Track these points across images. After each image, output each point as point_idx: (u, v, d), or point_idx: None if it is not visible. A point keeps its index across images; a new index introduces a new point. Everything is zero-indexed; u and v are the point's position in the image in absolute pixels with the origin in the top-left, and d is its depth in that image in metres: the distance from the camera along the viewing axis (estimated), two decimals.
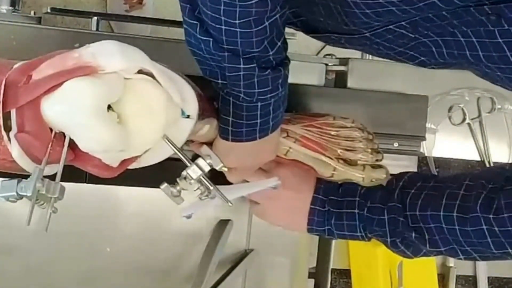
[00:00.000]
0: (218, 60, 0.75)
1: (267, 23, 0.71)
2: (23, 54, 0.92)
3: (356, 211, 0.90)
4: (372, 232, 0.90)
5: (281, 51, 0.78)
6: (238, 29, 0.70)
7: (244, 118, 0.80)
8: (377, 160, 0.91)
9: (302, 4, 0.84)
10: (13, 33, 0.98)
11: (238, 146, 0.83)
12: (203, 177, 0.74)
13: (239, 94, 0.78)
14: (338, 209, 0.91)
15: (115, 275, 1.06)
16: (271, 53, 0.75)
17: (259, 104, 0.79)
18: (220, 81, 0.78)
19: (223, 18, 0.69)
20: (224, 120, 0.81)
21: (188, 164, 0.74)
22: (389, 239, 0.89)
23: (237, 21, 0.69)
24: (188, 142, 0.80)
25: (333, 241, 1.14)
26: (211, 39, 0.73)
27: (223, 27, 0.70)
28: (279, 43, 0.76)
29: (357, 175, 0.89)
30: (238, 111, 0.80)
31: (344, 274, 1.15)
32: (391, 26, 0.75)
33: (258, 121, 0.81)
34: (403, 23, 0.74)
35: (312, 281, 1.17)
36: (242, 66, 0.74)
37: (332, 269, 1.15)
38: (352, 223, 0.90)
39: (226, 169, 0.84)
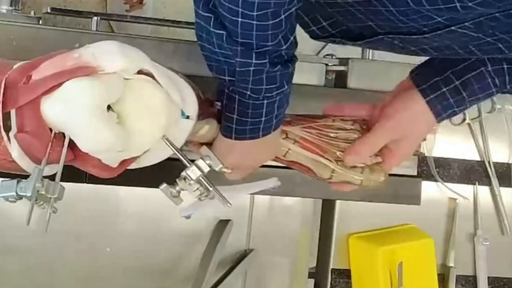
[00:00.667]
0: (228, 55, 0.75)
1: (283, 16, 0.70)
2: (23, 54, 0.92)
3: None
4: None
5: (292, 46, 0.77)
6: (254, 22, 0.69)
7: (249, 116, 0.80)
8: (375, 163, 0.90)
9: (342, 13, 0.83)
10: (13, 33, 0.98)
11: (239, 145, 0.83)
12: (202, 177, 0.74)
13: (245, 91, 0.78)
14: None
15: (115, 275, 1.06)
16: (284, 47, 0.75)
17: (265, 101, 0.80)
18: (227, 78, 0.78)
19: (240, 9, 0.68)
20: (228, 118, 0.81)
21: (188, 165, 0.74)
22: None
23: (254, 13, 0.68)
24: (188, 142, 0.80)
25: (333, 241, 1.14)
26: (224, 33, 0.72)
27: (239, 19, 0.69)
28: (291, 38, 0.75)
29: (355, 177, 0.89)
30: (244, 108, 0.79)
31: (344, 274, 1.15)
32: (453, 27, 0.74)
33: (263, 119, 0.81)
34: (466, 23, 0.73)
35: (312, 281, 1.17)
36: (253, 61, 0.74)
37: (332, 269, 1.15)
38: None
39: (227, 171, 0.84)
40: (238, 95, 0.79)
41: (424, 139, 1.10)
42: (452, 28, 0.72)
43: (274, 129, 0.84)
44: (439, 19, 0.71)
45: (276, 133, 0.86)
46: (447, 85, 0.85)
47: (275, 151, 0.90)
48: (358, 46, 0.92)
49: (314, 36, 0.92)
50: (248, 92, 0.78)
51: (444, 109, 0.86)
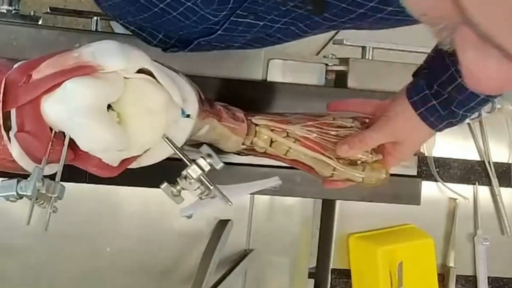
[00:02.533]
0: None
1: None
2: (23, 54, 0.93)
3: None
4: None
5: None
6: None
7: None
8: (376, 161, 0.91)
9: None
10: (13, 33, 0.98)
11: None
12: (203, 176, 0.74)
13: None
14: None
15: (115, 275, 1.06)
16: None
17: None
18: None
19: None
20: None
21: (188, 164, 0.74)
22: None
23: None
24: (188, 141, 0.80)
25: (333, 241, 1.14)
26: None
27: None
28: None
29: (356, 175, 0.89)
30: None
31: (344, 274, 1.15)
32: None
33: None
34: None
35: (312, 281, 1.17)
36: None
37: (332, 269, 1.15)
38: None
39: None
40: None
41: None
42: None
43: None
44: None
45: None
46: (437, 98, 0.86)
47: None
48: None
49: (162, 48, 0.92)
50: None
51: (438, 121, 0.87)
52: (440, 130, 0.88)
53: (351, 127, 0.91)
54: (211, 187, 0.75)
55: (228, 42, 0.88)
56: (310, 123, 0.90)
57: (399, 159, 0.92)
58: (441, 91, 0.85)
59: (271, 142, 0.89)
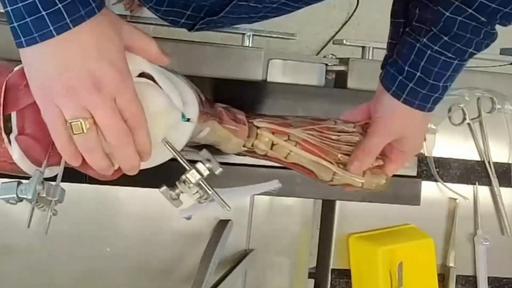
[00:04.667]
0: None
1: None
2: None
3: None
4: None
5: None
6: None
7: None
8: (377, 166, 0.91)
9: None
10: None
11: (35, 53, 0.61)
12: (202, 181, 0.74)
13: None
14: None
15: (115, 275, 1.06)
16: None
17: None
18: None
19: None
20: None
21: (187, 168, 0.74)
22: None
23: None
24: (189, 143, 0.80)
25: (333, 241, 1.14)
26: None
27: None
28: None
29: (357, 180, 0.89)
30: None
31: (344, 274, 1.15)
32: None
33: None
34: None
35: (312, 281, 1.18)
36: None
37: (332, 269, 1.15)
38: None
39: None
40: None
41: (424, 139, 1.11)
42: None
43: (88, 15, 0.60)
44: None
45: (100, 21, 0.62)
46: (412, 79, 0.85)
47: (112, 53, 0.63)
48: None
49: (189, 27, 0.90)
50: None
51: (424, 101, 0.86)
52: (431, 109, 0.87)
53: (353, 132, 0.91)
54: (210, 192, 0.75)
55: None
56: (311, 126, 0.90)
57: (409, 153, 0.91)
58: (413, 71, 0.84)
59: (272, 145, 0.89)
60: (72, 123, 0.62)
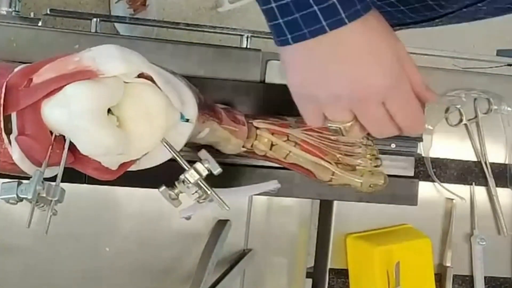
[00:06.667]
0: None
1: None
2: (23, 56, 0.94)
3: None
4: None
5: None
6: None
7: None
8: (375, 166, 0.91)
9: None
10: (13, 34, 0.99)
11: (299, 51, 0.57)
12: (200, 181, 0.75)
13: None
14: None
15: (115, 275, 1.06)
16: None
17: None
18: None
19: None
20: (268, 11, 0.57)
21: (186, 168, 0.75)
22: None
23: None
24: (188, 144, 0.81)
25: (331, 241, 1.15)
26: None
27: None
28: None
29: (355, 180, 0.89)
30: None
31: (342, 274, 1.15)
32: None
33: None
34: None
35: (310, 281, 1.18)
36: None
37: (330, 268, 1.15)
38: None
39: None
40: None
41: (422, 140, 1.11)
42: None
43: (364, 10, 0.55)
44: None
45: (371, 24, 0.56)
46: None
47: (381, 66, 0.57)
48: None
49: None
50: None
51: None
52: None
53: None
54: (209, 192, 0.75)
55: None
56: (310, 127, 0.90)
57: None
58: None
59: (272, 145, 0.89)
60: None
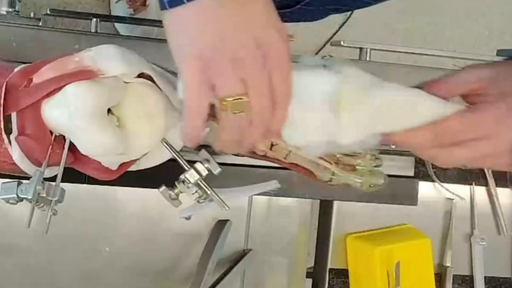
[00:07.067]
0: None
1: None
2: (23, 56, 0.93)
3: None
4: None
5: None
6: None
7: None
8: (376, 166, 0.91)
9: None
10: (13, 34, 0.99)
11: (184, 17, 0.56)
12: (200, 181, 0.75)
13: None
14: None
15: (114, 275, 1.06)
16: None
17: None
18: None
19: None
20: None
21: (186, 168, 0.75)
22: None
23: None
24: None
25: (331, 241, 1.15)
26: None
27: None
28: None
29: (355, 180, 0.89)
30: None
31: (342, 274, 1.15)
32: None
33: None
34: None
35: (310, 280, 1.18)
36: None
37: (330, 268, 1.15)
38: None
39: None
40: None
41: None
42: None
43: None
44: None
45: None
46: None
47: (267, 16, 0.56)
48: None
49: None
50: None
51: None
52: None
53: None
54: (209, 192, 0.75)
55: None
56: None
57: None
58: None
59: (272, 145, 0.89)
60: (233, 101, 0.56)
